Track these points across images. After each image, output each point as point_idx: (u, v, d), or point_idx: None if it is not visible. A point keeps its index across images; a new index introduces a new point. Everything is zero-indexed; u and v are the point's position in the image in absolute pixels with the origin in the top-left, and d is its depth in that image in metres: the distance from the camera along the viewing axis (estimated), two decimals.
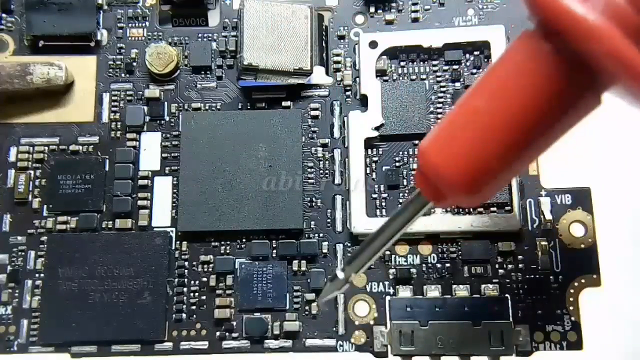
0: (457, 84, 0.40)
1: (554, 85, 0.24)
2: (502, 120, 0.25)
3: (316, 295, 0.38)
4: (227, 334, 0.38)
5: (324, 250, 0.39)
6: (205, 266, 0.39)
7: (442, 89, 0.40)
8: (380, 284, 0.38)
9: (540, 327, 0.37)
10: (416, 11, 0.42)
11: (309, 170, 0.40)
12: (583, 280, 0.37)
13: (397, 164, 0.40)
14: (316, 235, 0.39)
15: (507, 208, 0.38)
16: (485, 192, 0.27)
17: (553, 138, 0.26)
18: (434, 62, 0.41)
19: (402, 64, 0.41)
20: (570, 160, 0.40)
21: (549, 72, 0.24)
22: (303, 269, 0.38)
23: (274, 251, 0.39)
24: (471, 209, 0.38)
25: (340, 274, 0.31)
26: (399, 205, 0.37)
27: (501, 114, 0.25)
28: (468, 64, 0.41)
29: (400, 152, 0.40)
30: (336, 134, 0.40)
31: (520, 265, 0.38)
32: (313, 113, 0.41)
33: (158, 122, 0.41)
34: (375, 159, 0.40)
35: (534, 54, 0.25)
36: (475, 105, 0.26)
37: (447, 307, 0.37)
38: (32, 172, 0.40)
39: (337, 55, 0.41)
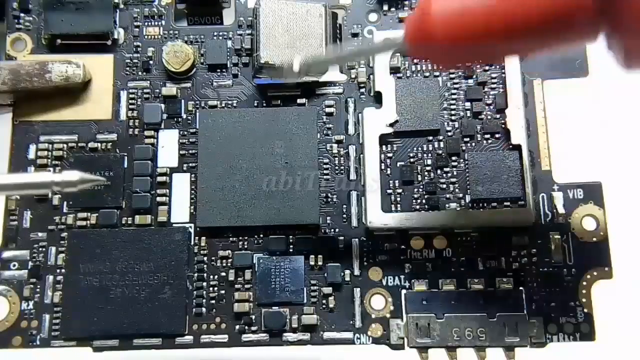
0: (470, 81, 0.41)
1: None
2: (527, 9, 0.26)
3: (333, 290, 0.39)
4: (246, 327, 0.38)
5: (340, 245, 0.39)
6: (224, 261, 0.39)
7: (455, 86, 0.41)
8: (396, 277, 0.39)
9: (554, 319, 0.37)
10: None
11: (324, 166, 0.40)
12: (595, 273, 0.38)
13: (412, 159, 0.40)
14: (332, 230, 0.40)
15: (520, 203, 0.39)
16: (459, 57, 0.29)
17: (534, 44, 0.27)
18: None
19: (416, 61, 0.42)
20: (582, 155, 0.41)
21: None
22: (320, 263, 0.39)
23: (291, 246, 0.39)
24: (485, 204, 0.39)
25: (297, 67, 0.33)
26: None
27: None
28: None
29: (415, 148, 0.40)
30: (351, 130, 0.41)
31: (533, 259, 0.38)
32: (328, 110, 0.41)
33: (175, 119, 0.41)
34: (389, 155, 0.40)
35: None
36: None
37: (462, 300, 0.37)
38: (51, 169, 0.41)
39: None
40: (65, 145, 0.41)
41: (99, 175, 0.40)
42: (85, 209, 0.40)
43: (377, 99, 0.41)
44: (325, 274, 0.39)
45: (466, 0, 0.27)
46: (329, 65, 0.32)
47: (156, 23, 0.43)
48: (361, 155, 0.40)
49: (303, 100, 0.41)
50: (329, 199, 0.40)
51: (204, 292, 0.39)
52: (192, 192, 0.40)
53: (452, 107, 0.41)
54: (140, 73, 0.42)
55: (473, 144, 0.40)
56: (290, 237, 0.39)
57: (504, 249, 0.39)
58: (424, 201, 0.40)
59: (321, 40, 0.40)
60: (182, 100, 0.42)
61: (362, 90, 0.41)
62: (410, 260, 0.39)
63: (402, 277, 0.39)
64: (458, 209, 0.39)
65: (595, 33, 0.26)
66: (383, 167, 0.40)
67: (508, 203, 0.39)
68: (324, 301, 0.39)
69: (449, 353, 0.37)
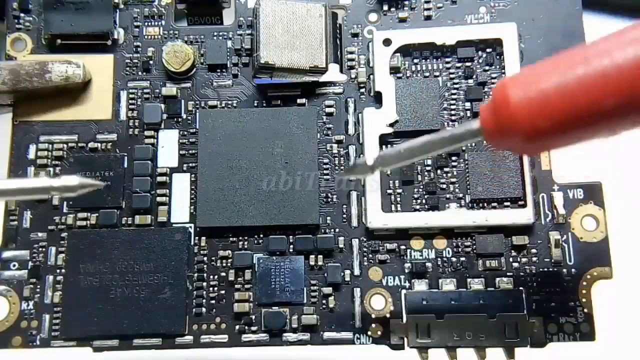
0: (470, 81, 0.41)
1: None
2: (605, 87, 0.25)
3: (333, 290, 0.39)
4: (246, 327, 0.38)
5: (340, 245, 0.39)
6: (224, 261, 0.39)
7: (455, 86, 0.41)
8: (396, 277, 0.39)
9: (554, 319, 0.37)
10: (429, 9, 0.42)
11: (324, 166, 0.40)
12: (595, 273, 0.38)
13: None
14: (332, 230, 0.40)
15: (520, 203, 0.39)
16: (541, 146, 0.27)
17: (617, 125, 0.26)
18: (447, 59, 0.41)
19: (416, 61, 0.42)
20: (582, 155, 0.41)
21: None
22: (320, 263, 0.39)
23: (291, 246, 0.39)
24: (485, 204, 0.39)
25: (370, 161, 0.32)
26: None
27: (609, 82, 0.25)
28: (480, 61, 0.41)
29: None
30: (351, 130, 0.41)
31: (533, 259, 0.38)
32: (328, 110, 0.41)
33: (175, 119, 0.41)
34: None
35: None
36: (588, 58, 0.25)
37: (462, 300, 0.37)
38: (51, 169, 0.41)
39: (351, 52, 0.42)
40: (65, 145, 0.41)
41: (99, 175, 0.40)
42: (85, 209, 0.40)
43: (377, 99, 0.41)
44: (325, 274, 0.39)
45: (542, 84, 0.26)
46: (402, 160, 0.31)
47: (156, 23, 0.43)
48: (361, 156, 0.40)
49: (303, 100, 0.41)
50: (329, 199, 0.40)
51: (204, 292, 0.39)
52: (192, 192, 0.40)
53: (452, 107, 0.41)
54: (140, 73, 0.42)
55: (473, 144, 0.40)
56: (290, 237, 0.39)
57: (504, 249, 0.39)
58: (424, 201, 0.40)
59: (321, 41, 0.40)
60: (182, 100, 0.42)
61: (362, 90, 0.41)
62: (410, 260, 0.39)
63: (402, 277, 0.39)
64: (458, 209, 0.39)
65: None
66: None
67: (508, 203, 0.39)
68: (324, 301, 0.39)
69: (449, 353, 0.37)
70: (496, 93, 0.28)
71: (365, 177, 0.31)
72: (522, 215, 0.38)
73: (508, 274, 0.38)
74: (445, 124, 0.40)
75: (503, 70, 0.40)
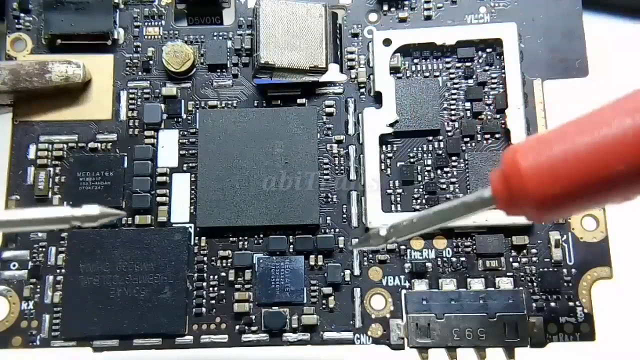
0: (470, 81, 0.41)
1: None
2: (614, 153, 0.25)
3: (333, 290, 0.39)
4: (246, 327, 0.38)
5: (340, 245, 0.39)
6: (224, 261, 0.39)
7: (455, 86, 0.41)
8: (396, 277, 0.39)
9: (554, 319, 0.37)
10: (429, 9, 0.42)
11: (324, 166, 0.40)
12: (595, 273, 0.38)
13: (412, 160, 0.40)
14: (332, 230, 0.40)
15: None
16: (555, 213, 0.27)
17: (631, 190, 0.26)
18: (447, 59, 0.41)
19: (416, 61, 0.42)
20: None
21: None
22: (320, 263, 0.39)
23: (291, 246, 0.39)
24: None
25: (383, 232, 0.32)
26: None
27: (617, 149, 0.25)
28: (480, 61, 0.41)
29: (415, 148, 0.40)
30: (351, 130, 0.41)
31: (533, 259, 0.38)
32: (328, 110, 0.41)
33: (175, 119, 0.41)
34: (389, 155, 0.40)
35: None
36: (600, 130, 0.25)
37: (462, 300, 0.37)
38: (51, 169, 0.41)
39: (351, 52, 0.42)
40: (65, 145, 0.41)
41: (99, 175, 0.40)
42: None
43: (377, 99, 0.41)
44: (325, 274, 0.39)
45: (552, 151, 0.26)
46: (415, 230, 0.31)
47: (156, 23, 0.43)
48: (361, 155, 0.40)
49: (303, 100, 0.41)
50: (329, 199, 0.40)
51: (204, 292, 0.39)
52: (192, 192, 0.40)
53: (452, 107, 0.41)
54: (140, 73, 0.42)
55: (473, 144, 0.40)
56: (290, 237, 0.39)
57: (504, 249, 0.39)
58: (424, 201, 0.40)
59: (321, 41, 0.40)
60: (182, 100, 0.42)
61: (362, 90, 0.41)
62: (410, 260, 0.39)
63: (402, 277, 0.39)
64: None
65: None
66: (383, 167, 0.40)
67: None
68: (324, 301, 0.39)
69: (449, 353, 0.37)
70: (506, 160, 0.27)
71: (379, 247, 0.32)
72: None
73: (508, 274, 0.38)
74: (446, 124, 0.40)
75: (503, 70, 0.40)
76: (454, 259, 0.39)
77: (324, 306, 0.39)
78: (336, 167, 0.41)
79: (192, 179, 0.40)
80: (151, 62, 0.42)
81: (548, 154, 0.26)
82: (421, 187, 0.40)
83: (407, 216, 0.31)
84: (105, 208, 0.30)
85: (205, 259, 0.39)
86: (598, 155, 0.25)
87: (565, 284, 0.38)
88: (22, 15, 0.43)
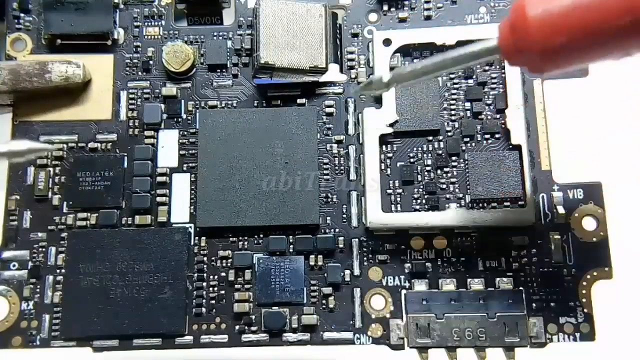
0: (470, 81, 0.41)
1: None
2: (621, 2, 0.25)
3: (333, 290, 0.39)
4: (246, 327, 0.38)
5: (340, 245, 0.39)
6: (224, 261, 0.39)
7: (455, 86, 0.41)
8: (396, 277, 0.39)
9: (554, 319, 0.37)
10: (429, 9, 0.42)
11: (324, 166, 0.40)
12: (595, 273, 0.38)
13: (412, 160, 0.40)
14: (332, 230, 0.40)
15: (520, 203, 0.39)
16: (557, 64, 0.28)
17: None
18: None
19: (416, 61, 0.42)
20: (582, 155, 0.41)
21: None
22: (320, 263, 0.39)
23: (291, 246, 0.39)
24: (485, 204, 0.39)
25: (386, 77, 0.32)
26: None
27: (630, 9, 0.25)
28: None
29: (415, 148, 0.40)
30: (351, 130, 0.41)
31: (533, 259, 0.38)
32: (328, 110, 0.41)
33: (175, 119, 0.41)
34: (389, 155, 0.40)
35: None
36: None
37: (462, 300, 0.37)
38: (51, 169, 0.41)
39: (351, 52, 0.42)
40: (65, 145, 0.41)
41: (99, 175, 0.40)
42: (85, 209, 0.40)
43: (377, 99, 0.41)
44: (325, 274, 0.39)
45: (561, 3, 0.26)
46: (417, 76, 0.31)
47: (156, 23, 0.43)
48: (361, 155, 0.40)
49: (303, 100, 0.41)
50: (329, 199, 0.40)
51: (204, 292, 0.39)
52: (192, 192, 0.40)
53: (452, 107, 0.41)
54: (140, 73, 0.42)
55: (473, 144, 0.40)
56: (290, 237, 0.39)
57: (504, 249, 0.39)
58: (424, 201, 0.40)
59: (321, 41, 0.40)
60: (182, 101, 0.42)
61: None
62: (410, 260, 0.39)
63: (402, 277, 0.39)
64: (458, 209, 0.39)
65: None
66: (383, 167, 0.40)
67: (508, 203, 0.39)
68: (324, 301, 0.39)
69: (449, 353, 0.37)
70: (514, 9, 0.28)
71: (381, 93, 0.32)
72: (522, 216, 0.38)
73: (508, 274, 0.38)
74: (446, 124, 0.40)
75: (503, 70, 0.40)
76: (454, 259, 0.39)
77: (324, 306, 0.39)
78: (336, 167, 0.41)
79: (192, 179, 0.40)
80: (151, 62, 0.42)
81: (555, 3, 0.26)
82: (421, 187, 0.40)
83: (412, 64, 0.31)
84: (34, 143, 0.30)
85: (205, 259, 0.39)
86: (603, 5, 0.25)
87: (565, 284, 0.38)
88: (22, 15, 0.43)
